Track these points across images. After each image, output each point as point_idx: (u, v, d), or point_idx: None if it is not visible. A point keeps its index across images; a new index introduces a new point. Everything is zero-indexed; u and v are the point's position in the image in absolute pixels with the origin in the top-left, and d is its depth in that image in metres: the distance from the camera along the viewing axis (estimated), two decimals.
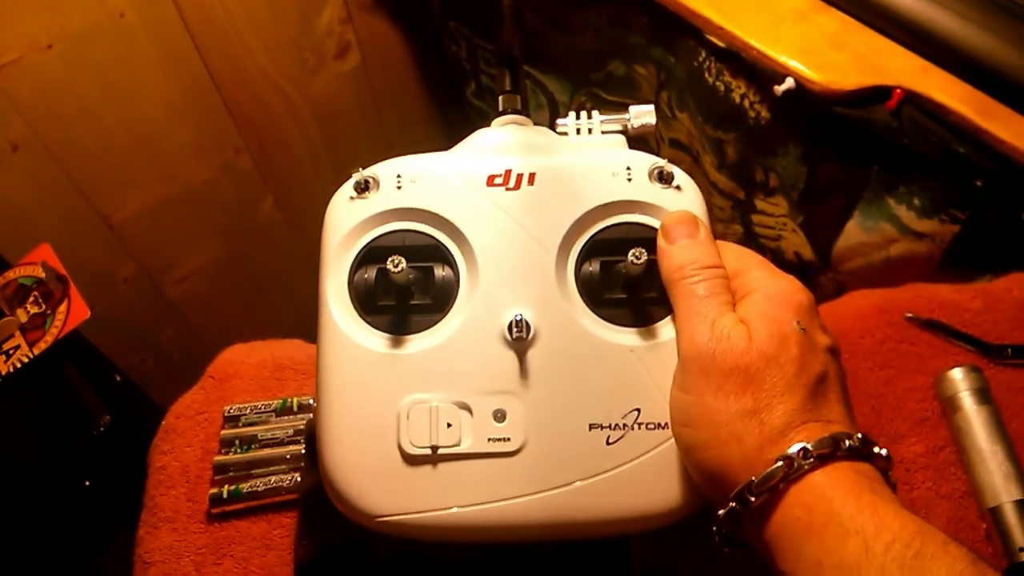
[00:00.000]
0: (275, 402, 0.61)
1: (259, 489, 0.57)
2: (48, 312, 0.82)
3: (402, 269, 0.45)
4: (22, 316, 0.82)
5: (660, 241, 0.47)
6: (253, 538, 0.57)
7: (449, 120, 1.38)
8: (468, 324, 0.46)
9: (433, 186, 0.49)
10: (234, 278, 1.30)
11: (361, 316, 0.47)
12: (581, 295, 0.47)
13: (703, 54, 0.79)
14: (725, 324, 0.42)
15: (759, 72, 0.75)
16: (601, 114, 0.55)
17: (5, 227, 0.96)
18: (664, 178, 0.49)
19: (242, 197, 1.24)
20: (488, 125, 0.53)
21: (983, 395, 0.55)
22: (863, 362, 0.59)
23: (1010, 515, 0.51)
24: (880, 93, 0.70)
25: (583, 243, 0.48)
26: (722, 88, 0.79)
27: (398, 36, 1.26)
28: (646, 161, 0.50)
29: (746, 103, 0.78)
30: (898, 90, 0.69)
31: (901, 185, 0.74)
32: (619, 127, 0.54)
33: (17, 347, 0.81)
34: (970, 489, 0.54)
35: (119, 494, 0.82)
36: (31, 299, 0.83)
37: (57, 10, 0.92)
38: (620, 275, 0.47)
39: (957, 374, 0.56)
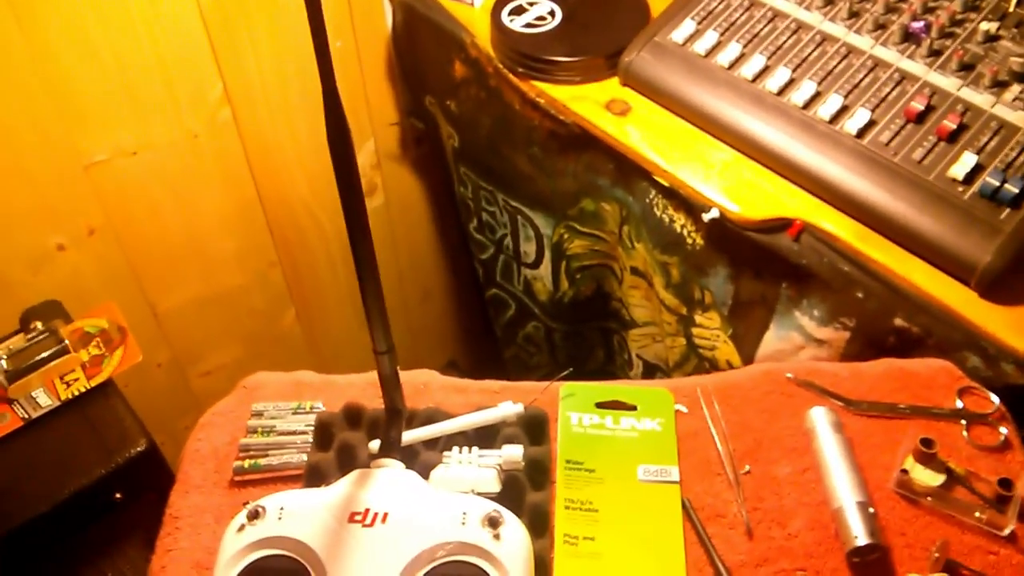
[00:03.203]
0: (292, 404, 0.77)
1: (274, 463, 0.73)
2: (107, 354, 1.00)
3: None
4: (83, 355, 1.00)
5: None
6: None
7: (454, 250, 1.61)
8: None
9: (306, 519, 0.61)
10: None
11: None
12: None
13: (653, 192, 1.00)
14: None
15: (693, 206, 0.95)
16: (480, 449, 0.70)
17: (72, 295, 1.14)
18: (493, 523, 0.60)
19: (269, 306, 1.43)
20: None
21: (836, 427, 0.72)
22: (750, 406, 0.76)
23: (848, 513, 0.67)
24: (784, 224, 0.90)
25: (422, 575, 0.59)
26: (667, 220, 1.00)
27: (417, 182, 1.50)
28: (482, 509, 0.61)
29: (685, 231, 0.99)
30: (797, 221, 0.89)
31: (804, 299, 0.93)
32: (495, 463, 0.69)
33: (76, 379, 0.98)
34: (825, 498, 0.69)
35: (144, 508, 0.96)
36: (93, 343, 1.01)
37: (145, 124, 1.14)
38: None
39: (818, 411, 0.73)
